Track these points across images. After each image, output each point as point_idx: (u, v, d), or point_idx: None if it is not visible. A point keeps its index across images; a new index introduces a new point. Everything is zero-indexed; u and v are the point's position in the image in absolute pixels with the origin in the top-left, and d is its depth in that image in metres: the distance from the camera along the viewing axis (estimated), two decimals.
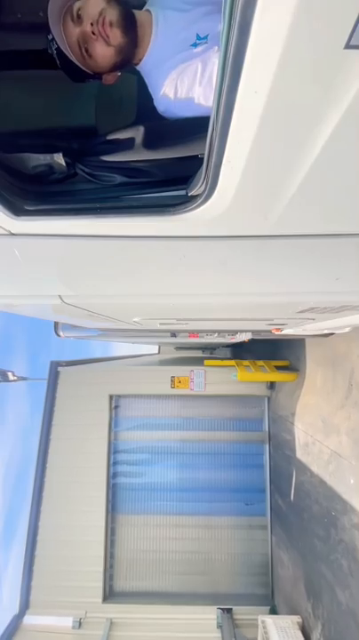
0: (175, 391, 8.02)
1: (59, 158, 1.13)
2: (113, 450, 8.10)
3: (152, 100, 1.23)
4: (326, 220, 1.18)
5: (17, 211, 1.08)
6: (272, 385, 7.67)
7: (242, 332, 5.50)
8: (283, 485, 7.04)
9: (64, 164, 1.14)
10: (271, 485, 7.76)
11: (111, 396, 8.17)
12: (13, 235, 1.21)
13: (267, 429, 8.05)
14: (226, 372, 7.82)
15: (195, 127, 1.10)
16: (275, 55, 0.63)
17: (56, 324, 7.67)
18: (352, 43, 0.60)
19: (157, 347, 13.86)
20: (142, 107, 1.32)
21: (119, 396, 8.30)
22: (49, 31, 1.17)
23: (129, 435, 8.24)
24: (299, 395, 6.51)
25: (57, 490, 7.92)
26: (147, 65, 1.23)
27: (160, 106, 1.22)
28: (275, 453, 7.58)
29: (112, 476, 7.99)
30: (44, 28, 1.19)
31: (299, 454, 6.31)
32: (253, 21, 0.59)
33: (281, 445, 7.15)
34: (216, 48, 1.12)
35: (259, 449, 8.07)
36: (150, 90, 1.23)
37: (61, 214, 1.13)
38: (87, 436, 8.02)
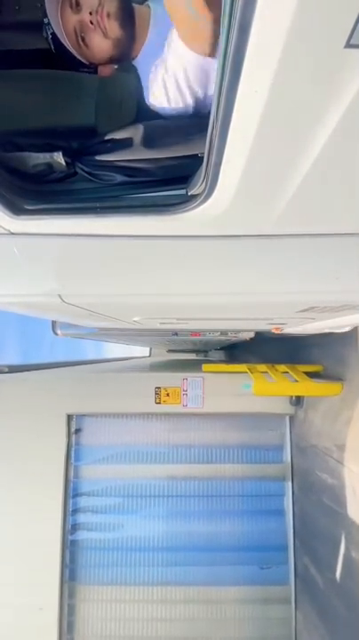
0: (161, 408, 5.24)
1: (58, 157, 1.13)
2: (72, 492, 5.31)
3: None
4: (326, 220, 1.18)
5: (17, 210, 1.08)
6: (298, 400, 5.07)
7: (244, 331, 5.48)
8: (315, 543, 4.64)
9: (64, 163, 1.14)
10: (296, 541, 5.20)
11: (70, 416, 5.33)
12: (13, 234, 1.21)
13: (289, 460, 5.43)
14: (232, 381, 5.23)
15: (195, 126, 1.10)
16: (275, 54, 0.63)
17: (54, 322, 7.68)
18: (352, 42, 0.60)
19: (149, 349, 13.21)
20: (142, 106, 1.32)
21: (82, 416, 5.44)
22: (46, 16, 1.16)
23: (95, 470, 5.40)
24: (347, 416, 4.08)
25: None
26: (142, 60, 1.24)
27: (148, 100, 1.22)
28: (304, 497, 5.02)
29: (70, 531, 5.25)
30: (44, 25, 1.19)
31: (352, 509, 3.94)
32: (253, 21, 0.59)
33: (314, 488, 4.61)
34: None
35: (277, 488, 5.42)
36: (142, 84, 1.23)
37: (61, 213, 1.13)
38: (33, 472, 5.21)
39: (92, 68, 1.25)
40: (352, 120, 0.75)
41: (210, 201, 1.00)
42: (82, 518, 5.40)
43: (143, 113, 1.29)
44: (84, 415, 5.49)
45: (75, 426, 5.47)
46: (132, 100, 1.41)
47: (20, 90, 1.37)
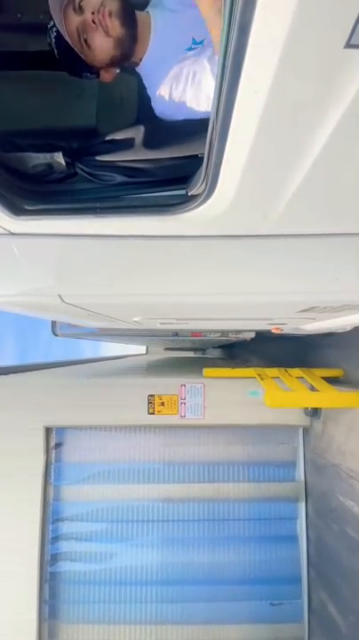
0: (156, 419, 4.46)
1: (59, 158, 1.13)
2: (51, 517, 4.49)
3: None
4: (326, 220, 1.18)
5: (17, 210, 1.08)
6: (315, 410, 4.30)
7: (244, 331, 5.41)
8: (334, 577, 3.93)
9: (64, 163, 1.14)
10: (311, 571, 4.44)
11: (48, 429, 4.53)
12: (13, 234, 1.21)
13: (302, 479, 4.60)
14: (237, 388, 4.46)
15: (195, 127, 1.11)
16: (275, 54, 0.63)
17: (53, 322, 7.69)
18: (352, 42, 0.60)
19: (145, 347, 13.05)
20: (143, 107, 1.32)
21: (62, 429, 4.60)
22: (49, 20, 1.18)
23: (79, 491, 4.56)
24: None
25: None
26: (145, 66, 1.25)
27: (156, 108, 1.23)
28: (321, 521, 4.23)
29: (49, 561, 4.45)
30: (44, 28, 1.20)
31: None
32: (253, 21, 0.59)
33: (335, 515, 3.92)
34: (209, 52, 1.14)
35: (289, 510, 4.61)
36: (148, 91, 1.24)
37: (61, 214, 1.13)
38: (3, 494, 4.40)
39: (94, 73, 1.26)
40: (352, 120, 0.75)
41: (210, 201, 1.00)
42: (63, 547, 4.50)
43: (144, 114, 1.29)
44: (66, 427, 4.59)
45: (54, 440, 4.59)
46: (133, 101, 1.41)
47: (21, 90, 1.38)
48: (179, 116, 1.21)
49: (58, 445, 4.61)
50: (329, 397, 3.66)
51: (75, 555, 4.52)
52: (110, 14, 1.13)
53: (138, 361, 10.12)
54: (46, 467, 4.48)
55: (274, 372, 4.42)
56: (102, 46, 1.17)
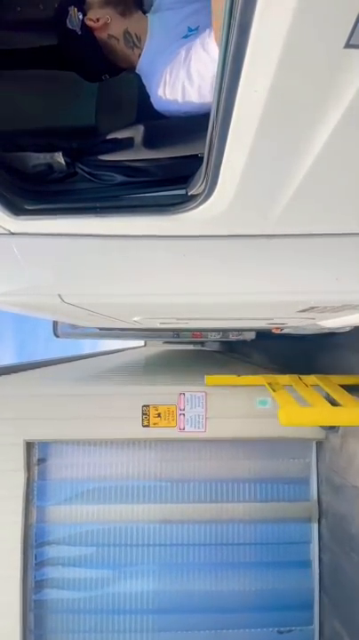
0: (151, 432, 3.95)
1: (58, 157, 1.13)
2: (34, 541, 4.04)
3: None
4: (326, 220, 1.18)
5: (17, 210, 1.08)
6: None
7: (245, 331, 5.36)
8: (351, 608, 3.60)
9: (64, 163, 1.14)
10: (323, 597, 4.05)
11: (29, 444, 4.04)
12: (13, 234, 1.21)
13: (315, 498, 4.16)
14: (244, 396, 3.94)
15: (195, 126, 1.10)
16: (275, 54, 0.63)
17: (55, 323, 7.68)
18: (352, 42, 0.60)
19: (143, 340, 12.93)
20: (142, 106, 1.32)
21: (46, 443, 4.10)
22: (51, 30, 1.17)
23: (65, 512, 4.10)
24: None
25: None
26: (143, 64, 1.25)
27: (156, 103, 1.23)
28: (336, 546, 3.82)
29: (34, 589, 4.05)
30: (44, 24, 1.20)
31: None
32: (253, 21, 0.59)
33: (355, 542, 3.50)
34: (205, 33, 1.11)
35: (301, 532, 4.16)
36: (147, 88, 1.24)
37: (61, 213, 1.13)
38: None
39: (95, 66, 1.26)
40: (352, 120, 0.75)
41: (209, 201, 1.00)
42: (49, 573, 4.03)
43: (143, 113, 1.29)
44: (49, 443, 4.07)
45: (37, 455, 4.08)
46: (133, 101, 1.41)
47: (21, 90, 1.38)
48: (178, 107, 1.20)
49: (41, 461, 4.07)
50: (355, 414, 3.02)
51: (62, 581, 4.05)
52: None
53: (133, 356, 9.49)
54: (28, 485, 3.97)
55: (285, 379, 3.89)
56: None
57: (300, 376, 3.89)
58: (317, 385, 3.60)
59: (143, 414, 3.92)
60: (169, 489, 4.15)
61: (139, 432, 3.91)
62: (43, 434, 3.95)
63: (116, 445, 4.13)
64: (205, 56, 1.09)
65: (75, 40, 1.22)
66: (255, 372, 4.63)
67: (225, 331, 6.52)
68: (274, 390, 3.62)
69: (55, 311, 2.86)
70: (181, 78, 1.15)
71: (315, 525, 4.12)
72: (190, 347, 12.30)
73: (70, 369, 6.47)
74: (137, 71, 1.27)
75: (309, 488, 4.20)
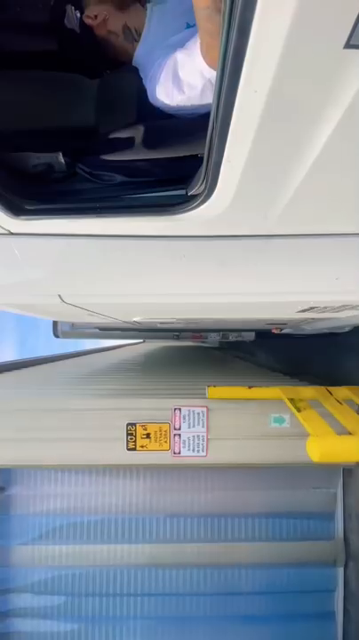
0: (138, 457, 3.05)
1: (59, 157, 1.14)
2: None
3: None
4: (326, 220, 1.18)
5: (17, 210, 1.08)
6: None
7: (245, 331, 5.32)
8: None
9: (64, 163, 1.14)
10: None
11: None
12: (13, 234, 1.21)
13: (341, 536, 3.33)
14: (253, 411, 3.07)
15: (194, 127, 1.11)
16: (275, 55, 0.63)
17: (54, 323, 7.67)
18: (352, 42, 0.60)
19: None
20: (143, 106, 1.32)
21: (7, 470, 3.25)
22: (50, 31, 1.17)
23: (31, 554, 3.21)
24: None
25: None
26: (139, 57, 1.25)
27: (151, 97, 1.23)
28: None
29: None
30: (44, 26, 1.20)
31: None
32: (253, 21, 0.59)
33: None
34: (194, 45, 1.10)
35: (324, 577, 3.33)
36: (144, 82, 1.24)
37: (61, 214, 1.13)
38: None
39: (95, 62, 1.26)
40: (352, 120, 0.75)
41: (209, 201, 1.00)
42: (12, 626, 3.21)
43: (144, 113, 1.29)
44: (12, 467, 3.19)
45: None
46: (133, 101, 1.41)
47: (21, 90, 1.38)
48: (170, 108, 1.20)
49: (1, 490, 3.28)
50: None
51: (28, 637, 3.22)
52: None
53: (127, 354, 8.86)
54: None
55: (309, 391, 2.99)
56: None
57: (329, 388, 3.05)
58: (350, 399, 2.89)
59: (128, 435, 3.03)
60: (160, 525, 3.28)
61: (122, 457, 3.03)
62: (3, 458, 3.05)
63: (95, 473, 3.27)
64: (194, 68, 1.09)
65: (74, 39, 1.22)
66: (265, 378, 3.84)
67: (225, 331, 6.51)
68: (298, 410, 2.78)
69: (55, 311, 2.86)
70: (171, 87, 1.15)
71: (341, 570, 3.31)
72: (190, 343, 12.16)
73: (46, 372, 5.56)
74: (133, 63, 1.27)
75: (334, 524, 3.39)
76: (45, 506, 3.25)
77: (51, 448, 3.01)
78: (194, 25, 1.14)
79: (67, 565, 3.19)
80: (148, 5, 1.24)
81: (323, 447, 2.33)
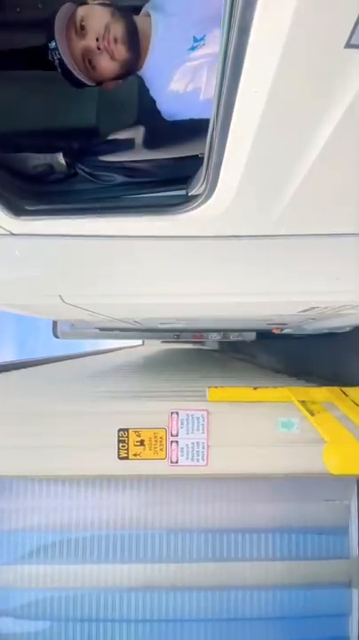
0: (130, 467, 2.71)
1: (59, 158, 1.14)
2: None
3: (153, 100, 1.24)
4: (326, 220, 1.18)
5: (17, 211, 1.08)
6: None
7: (246, 331, 5.31)
8: None
9: (64, 163, 1.14)
10: None
11: None
12: (14, 235, 1.21)
13: (356, 554, 2.98)
14: (258, 415, 2.73)
15: (195, 127, 1.11)
16: (275, 55, 0.63)
17: (54, 324, 7.67)
18: (352, 42, 0.60)
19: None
20: (143, 107, 1.32)
21: None
22: (48, 33, 1.17)
23: (11, 575, 2.83)
24: None
25: None
26: (148, 70, 1.24)
27: (163, 110, 1.23)
28: None
29: None
30: (44, 24, 1.20)
31: None
32: (253, 21, 0.59)
33: None
34: (211, 51, 1.12)
35: (337, 600, 2.95)
36: (152, 94, 1.24)
37: (62, 214, 1.13)
38: None
39: (98, 84, 1.26)
40: (352, 120, 0.75)
41: (210, 201, 1.00)
42: None
43: (144, 114, 1.29)
44: None
45: None
46: (133, 102, 1.41)
47: (22, 91, 1.38)
48: (188, 116, 1.20)
49: None
50: None
51: None
52: (116, 40, 1.11)
53: (124, 357, 8.65)
54: None
55: (321, 393, 2.78)
56: (108, 68, 1.16)
57: (343, 389, 2.79)
58: None
59: (120, 441, 2.76)
60: (156, 542, 2.94)
61: (113, 466, 2.75)
62: None
63: (84, 484, 2.96)
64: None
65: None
66: (269, 379, 3.55)
67: (225, 331, 6.51)
68: (311, 413, 2.54)
69: (55, 312, 2.86)
70: (195, 95, 1.15)
71: (356, 591, 2.98)
72: (189, 346, 12.14)
73: (37, 374, 5.35)
74: (139, 74, 1.26)
75: (348, 541, 3.04)
76: (28, 521, 2.91)
77: (34, 456, 2.73)
78: (201, 38, 1.15)
79: (52, 587, 2.87)
80: (152, 14, 1.23)
81: (343, 456, 2.12)
